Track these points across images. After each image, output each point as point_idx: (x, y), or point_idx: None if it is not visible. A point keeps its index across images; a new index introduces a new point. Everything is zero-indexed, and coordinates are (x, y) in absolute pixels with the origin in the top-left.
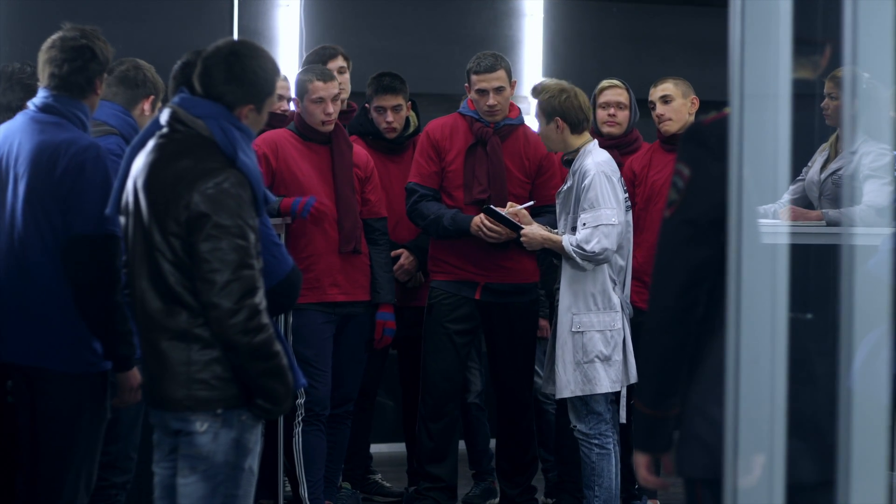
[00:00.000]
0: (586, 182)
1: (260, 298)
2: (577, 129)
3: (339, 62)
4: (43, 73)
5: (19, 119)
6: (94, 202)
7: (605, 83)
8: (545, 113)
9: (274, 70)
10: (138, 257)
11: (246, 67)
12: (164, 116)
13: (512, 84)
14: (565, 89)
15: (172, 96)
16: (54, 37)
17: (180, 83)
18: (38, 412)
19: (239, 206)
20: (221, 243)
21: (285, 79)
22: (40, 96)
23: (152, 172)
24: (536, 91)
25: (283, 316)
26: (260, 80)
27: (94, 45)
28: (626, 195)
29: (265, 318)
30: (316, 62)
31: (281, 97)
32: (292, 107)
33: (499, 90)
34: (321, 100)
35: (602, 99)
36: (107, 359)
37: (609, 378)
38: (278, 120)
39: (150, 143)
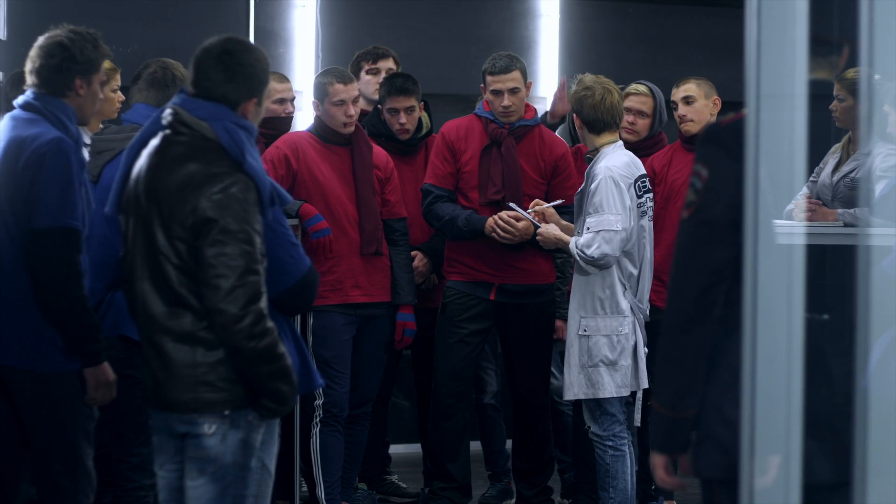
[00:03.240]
0: (593, 186)
1: (264, 303)
2: (592, 128)
3: (390, 63)
4: (27, 72)
5: (4, 119)
6: (53, 195)
7: (631, 88)
8: (573, 107)
9: (266, 60)
10: (140, 258)
11: (243, 62)
12: (166, 117)
13: (527, 85)
14: (589, 86)
15: None
16: (41, 36)
17: None
18: (21, 412)
19: (245, 210)
20: (227, 248)
21: (287, 80)
22: (23, 95)
23: (157, 175)
24: (579, 81)
25: (303, 317)
26: (258, 72)
27: (72, 45)
28: (643, 200)
29: (269, 322)
30: (366, 60)
31: (283, 100)
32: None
33: (514, 91)
34: (342, 102)
35: (625, 103)
36: (72, 356)
37: (614, 383)
38: (283, 123)
39: (153, 144)
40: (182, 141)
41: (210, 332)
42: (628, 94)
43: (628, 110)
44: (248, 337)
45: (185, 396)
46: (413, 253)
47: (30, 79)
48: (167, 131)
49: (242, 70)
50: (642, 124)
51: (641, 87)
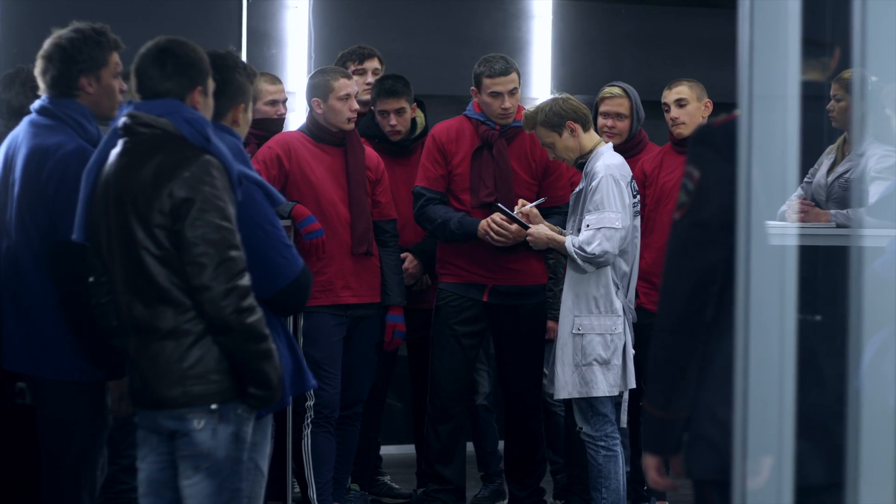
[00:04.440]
0: (594, 184)
1: (248, 280)
2: (586, 126)
3: (375, 63)
4: (37, 74)
5: (23, 123)
6: (77, 208)
7: (605, 92)
8: (554, 126)
9: (202, 50)
10: (118, 264)
11: (178, 54)
12: (122, 125)
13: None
14: (555, 98)
15: None
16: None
17: None
18: (39, 419)
19: (218, 188)
20: (207, 227)
21: (279, 82)
22: (39, 99)
23: (127, 174)
24: (530, 118)
25: (294, 318)
26: (196, 62)
27: (71, 46)
28: (636, 200)
29: (254, 300)
30: (352, 60)
31: (275, 101)
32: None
33: (513, 92)
34: (348, 96)
35: (602, 108)
36: (98, 366)
37: (607, 382)
38: (275, 124)
39: (116, 151)
40: (144, 139)
41: (194, 324)
42: (603, 99)
43: (606, 115)
44: (236, 311)
45: (173, 392)
46: (403, 255)
47: (40, 83)
48: (123, 139)
49: (179, 62)
50: (622, 126)
51: (615, 90)
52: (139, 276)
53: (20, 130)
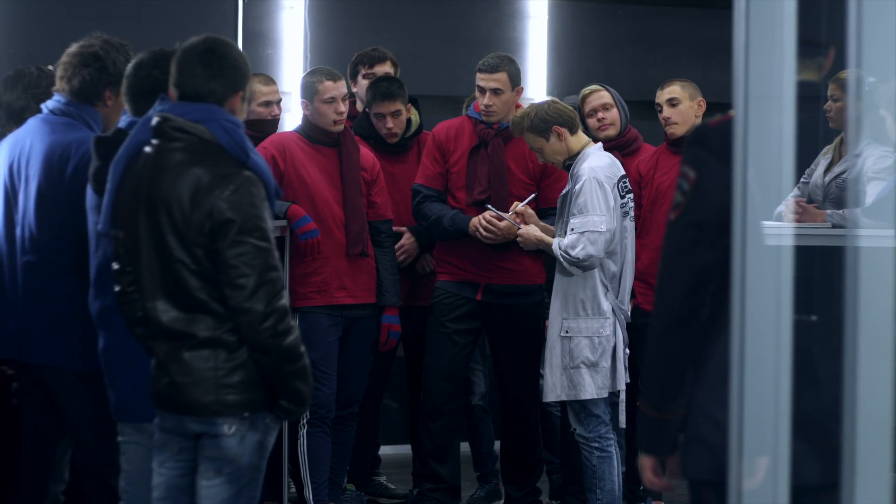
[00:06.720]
0: (577, 187)
1: (286, 300)
2: (573, 129)
3: (387, 67)
4: (57, 77)
5: (32, 122)
6: (105, 199)
7: (585, 91)
8: (541, 131)
9: (245, 56)
10: (147, 270)
11: (227, 56)
12: (155, 125)
13: (517, 90)
14: (541, 103)
15: (132, 96)
16: (76, 43)
17: (140, 82)
18: (65, 412)
19: (258, 208)
20: (247, 248)
21: (273, 83)
22: (53, 100)
23: (162, 185)
24: (517, 124)
25: None
26: (241, 67)
27: (105, 57)
28: (625, 200)
29: (291, 320)
30: (363, 64)
31: (269, 102)
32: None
33: (496, 92)
34: (332, 99)
35: (587, 107)
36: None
37: (595, 384)
38: (269, 125)
39: (146, 154)
40: (178, 147)
41: (232, 334)
42: (584, 98)
43: (593, 111)
44: (274, 334)
45: (206, 399)
46: (401, 228)
47: (60, 84)
48: (156, 140)
49: (227, 64)
50: (611, 115)
51: (592, 86)
52: (174, 285)
53: (29, 129)
